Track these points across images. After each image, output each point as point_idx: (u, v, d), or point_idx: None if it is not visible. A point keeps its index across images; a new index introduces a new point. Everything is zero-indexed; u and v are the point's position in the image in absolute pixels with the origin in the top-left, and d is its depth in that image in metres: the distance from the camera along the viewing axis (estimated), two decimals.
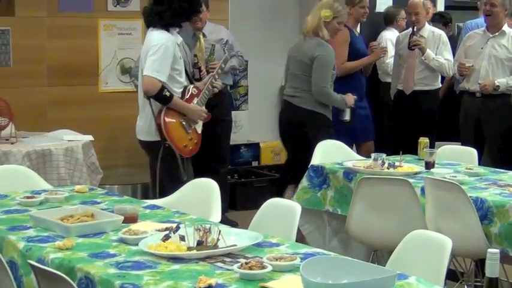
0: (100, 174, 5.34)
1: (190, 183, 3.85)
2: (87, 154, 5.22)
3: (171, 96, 4.41)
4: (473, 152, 4.87)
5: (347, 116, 5.37)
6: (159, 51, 4.32)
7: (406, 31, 6.47)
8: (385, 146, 6.22)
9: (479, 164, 4.90)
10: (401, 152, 4.48)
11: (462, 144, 5.43)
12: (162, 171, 4.51)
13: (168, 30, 4.39)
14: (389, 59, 6.74)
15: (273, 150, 7.38)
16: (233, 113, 6.72)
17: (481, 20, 6.33)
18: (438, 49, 6.18)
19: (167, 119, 4.45)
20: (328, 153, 4.84)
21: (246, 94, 7.57)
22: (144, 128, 4.52)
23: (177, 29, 4.45)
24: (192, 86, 4.64)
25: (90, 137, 5.31)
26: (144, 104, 4.51)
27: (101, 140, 5.84)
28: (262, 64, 7.26)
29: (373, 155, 4.37)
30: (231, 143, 6.60)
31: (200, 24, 5.73)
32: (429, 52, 6.09)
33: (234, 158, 7.15)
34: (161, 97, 4.42)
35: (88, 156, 5.24)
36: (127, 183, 6.23)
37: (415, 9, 6.21)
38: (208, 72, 5.37)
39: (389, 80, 6.76)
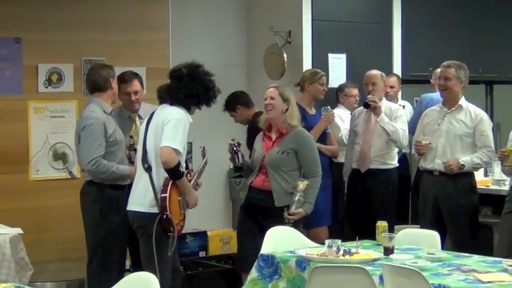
0: (30, 271, 5.00)
1: (127, 278, 3.53)
2: (15, 249, 4.90)
3: (183, 172, 4.45)
4: (435, 235, 4.63)
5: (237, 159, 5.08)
6: (180, 125, 4.37)
7: (361, 107, 6.21)
8: (340, 230, 6.04)
9: (442, 248, 4.69)
10: (357, 237, 4.28)
11: (422, 227, 5.23)
12: (147, 247, 4.41)
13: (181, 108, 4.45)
14: (342, 131, 6.46)
15: (221, 238, 7.00)
16: None
17: (436, 94, 6.14)
18: (394, 121, 5.97)
19: (172, 194, 4.44)
20: (280, 240, 4.59)
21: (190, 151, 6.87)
22: (138, 199, 4.45)
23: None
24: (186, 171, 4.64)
25: (18, 230, 4.97)
26: (141, 174, 4.47)
27: (31, 233, 5.51)
28: (207, 145, 6.40)
29: (327, 241, 4.15)
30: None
31: (137, 106, 5.34)
32: (384, 116, 5.91)
33: (179, 248, 6.15)
34: (176, 171, 4.42)
35: (16, 251, 4.91)
36: (61, 279, 5.85)
37: (372, 80, 6.03)
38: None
39: (342, 160, 6.40)
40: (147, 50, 6.65)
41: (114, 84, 5.04)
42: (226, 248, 6.91)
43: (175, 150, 4.35)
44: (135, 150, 5.03)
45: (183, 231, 5.58)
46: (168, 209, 4.40)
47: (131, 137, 5.26)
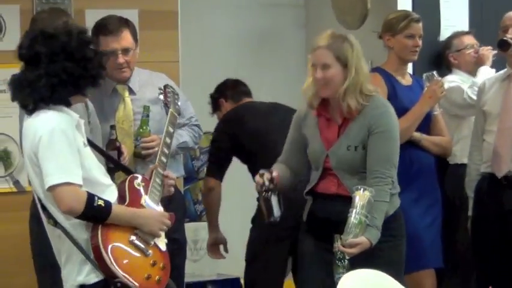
0: None
1: None
2: None
3: (107, 204, 3.59)
4: None
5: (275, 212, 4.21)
6: (53, 144, 3.52)
7: (498, 73, 5.00)
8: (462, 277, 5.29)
9: None
10: None
11: None
12: None
13: (53, 109, 3.63)
14: (466, 90, 5.36)
15: None
16: (191, 226, 5.70)
17: None
18: None
19: (110, 243, 3.60)
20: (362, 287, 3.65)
21: None
22: (72, 272, 3.68)
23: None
24: (130, 177, 3.84)
25: None
26: (56, 236, 3.72)
27: None
28: None
29: None
30: (192, 278, 5.50)
31: (127, 72, 4.59)
32: None
33: None
34: (95, 211, 3.58)
35: None
36: None
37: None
38: (138, 156, 4.52)
39: (464, 160, 5.18)
40: None
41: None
42: None
43: (72, 184, 3.54)
44: (119, 148, 4.38)
45: (201, 278, 5.86)
46: (116, 269, 3.60)
47: (112, 127, 4.49)
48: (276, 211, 4.10)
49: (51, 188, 3.47)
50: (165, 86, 4.42)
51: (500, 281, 4.64)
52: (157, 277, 3.66)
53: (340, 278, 3.81)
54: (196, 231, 5.92)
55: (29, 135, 3.59)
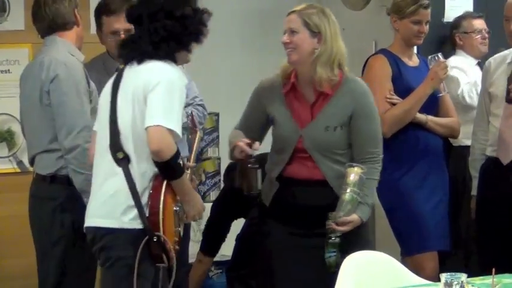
0: None
1: None
2: None
3: (184, 168, 3.86)
4: None
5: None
6: (175, 91, 3.75)
7: (502, 53, 4.90)
8: (464, 258, 5.34)
9: None
10: (494, 270, 3.36)
11: None
12: (120, 284, 3.76)
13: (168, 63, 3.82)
14: (463, 88, 5.39)
15: None
16: None
17: None
18: None
19: (167, 202, 3.79)
20: (363, 272, 3.76)
21: (218, 173, 5.99)
22: (105, 209, 3.78)
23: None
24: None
25: None
26: (109, 169, 3.81)
27: None
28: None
29: (444, 276, 3.13)
30: (194, 259, 5.27)
31: None
32: None
33: None
34: (175, 166, 3.76)
35: None
36: None
37: None
38: None
39: (467, 142, 5.15)
40: None
41: (79, 18, 4.52)
42: None
43: (172, 132, 3.67)
44: None
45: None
46: (160, 225, 3.78)
47: None
48: (260, 183, 4.09)
49: (153, 127, 3.60)
50: (192, 114, 4.52)
51: (503, 262, 4.29)
52: (175, 249, 3.77)
53: (331, 256, 3.93)
54: None
55: (142, 75, 3.73)
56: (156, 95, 3.71)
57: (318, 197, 4.04)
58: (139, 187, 3.73)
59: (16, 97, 4.65)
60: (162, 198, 3.72)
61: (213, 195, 5.88)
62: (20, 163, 5.21)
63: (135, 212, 3.69)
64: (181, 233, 3.95)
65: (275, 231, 4.12)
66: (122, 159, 3.74)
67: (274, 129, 4.14)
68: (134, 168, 3.72)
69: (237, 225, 5.20)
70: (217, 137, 5.94)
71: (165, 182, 3.72)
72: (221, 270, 5.59)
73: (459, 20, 5.66)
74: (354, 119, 4.03)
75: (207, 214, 5.63)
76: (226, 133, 5.70)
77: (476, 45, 5.57)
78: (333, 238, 3.93)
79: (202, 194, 6.13)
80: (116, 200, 3.74)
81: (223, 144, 5.83)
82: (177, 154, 3.68)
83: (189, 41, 3.82)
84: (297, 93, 4.03)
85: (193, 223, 5.34)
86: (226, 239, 5.08)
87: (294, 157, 4.05)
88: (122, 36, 4.46)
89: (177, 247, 3.86)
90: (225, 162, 5.50)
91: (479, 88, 5.17)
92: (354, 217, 3.91)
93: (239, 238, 5.15)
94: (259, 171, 4.06)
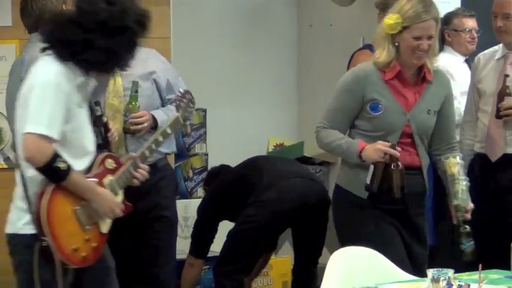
0: None
1: None
2: None
3: (68, 169, 3.69)
4: None
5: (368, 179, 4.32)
6: (48, 93, 3.71)
7: (491, 49, 4.99)
8: (452, 252, 4.89)
9: None
10: (480, 265, 3.44)
11: None
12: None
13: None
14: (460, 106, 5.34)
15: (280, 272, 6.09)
16: (182, 203, 5.59)
17: None
18: None
19: (53, 203, 3.72)
20: (352, 265, 3.85)
21: (205, 169, 5.98)
22: (9, 215, 3.85)
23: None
24: (106, 154, 3.94)
25: None
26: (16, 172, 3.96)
27: None
28: (231, 114, 6.29)
29: (430, 272, 3.26)
30: (183, 256, 5.28)
31: None
32: None
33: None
34: (52, 170, 3.70)
35: None
36: None
37: (505, 9, 4.79)
38: (127, 132, 4.66)
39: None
40: None
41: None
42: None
43: (45, 137, 3.68)
44: (105, 125, 4.32)
45: None
46: (47, 230, 3.74)
47: (97, 103, 4.36)
48: (405, 183, 4.18)
49: (24, 135, 3.62)
50: (186, 92, 4.48)
51: (490, 258, 4.45)
52: (84, 253, 3.75)
53: (469, 246, 4.15)
54: (186, 208, 5.84)
55: (32, 72, 3.75)
56: (29, 101, 3.74)
57: (416, 184, 4.23)
58: (31, 191, 3.75)
59: (3, 93, 4.73)
60: (44, 202, 3.70)
61: (200, 191, 5.91)
62: (7, 159, 5.19)
63: (28, 217, 3.73)
64: (105, 230, 3.92)
65: (374, 214, 4.22)
66: (19, 165, 3.82)
67: (375, 117, 4.24)
68: (25, 173, 3.77)
69: (228, 223, 5.23)
70: (205, 132, 5.95)
71: (51, 187, 3.73)
72: (208, 266, 5.58)
73: (450, 16, 5.72)
74: (444, 105, 4.24)
75: (193, 215, 5.64)
76: (213, 129, 5.86)
77: (464, 43, 5.65)
78: (466, 228, 4.10)
79: (189, 190, 6.12)
80: (14, 205, 3.80)
81: (211, 140, 5.99)
82: (54, 157, 3.68)
83: (105, 66, 3.79)
84: (402, 80, 4.17)
85: (180, 219, 5.32)
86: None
87: (398, 143, 4.21)
88: None
89: (93, 245, 3.82)
90: (213, 159, 5.63)
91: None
92: (471, 204, 4.14)
93: (231, 234, 5.17)
94: (403, 172, 4.16)
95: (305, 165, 6.19)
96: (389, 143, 4.10)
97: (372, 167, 4.17)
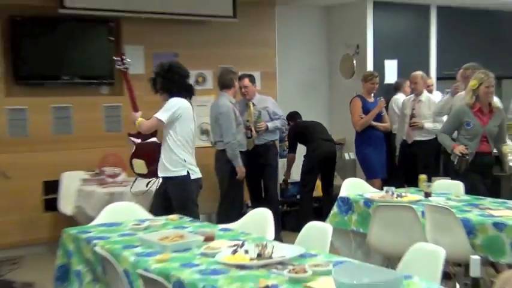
0: None
1: (251, 212, 4.28)
2: None
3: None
4: (460, 185, 5.36)
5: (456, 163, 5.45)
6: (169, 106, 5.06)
7: (408, 96, 7.48)
8: (394, 181, 6.93)
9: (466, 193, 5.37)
10: (405, 185, 5.45)
11: (452, 179, 5.71)
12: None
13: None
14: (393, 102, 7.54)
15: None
16: (281, 162, 7.59)
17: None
18: (431, 110, 7.09)
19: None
20: (352, 187, 5.46)
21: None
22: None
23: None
24: None
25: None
26: None
27: None
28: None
29: (385, 188, 4.99)
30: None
31: (248, 97, 6.83)
32: (426, 126, 7.00)
33: (285, 193, 8.08)
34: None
35: None
36: (202, 212, 6.22)
37: (414, 80, 7.20)
38: (257, 132, 6.58)
39: (395, 132, 7.77)
40: (260, 59, 7.98)
41: (237, 83, 6.34)
42: (314, 194, 7.60)
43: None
44: (250, 129, 6.44)
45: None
46: None
47: (247, 120, 6.59)
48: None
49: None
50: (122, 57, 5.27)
51: (409, 181, 5.86)
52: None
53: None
54: (284, 161, 7.51)
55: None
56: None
57: (489, 160, 5.49)
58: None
59: (209, 116, 6.54)
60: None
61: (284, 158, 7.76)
62: (211, 142, 6.63)
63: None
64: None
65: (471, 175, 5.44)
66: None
67: (465, 129, 5.44)
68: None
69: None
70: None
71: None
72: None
73: (403, 81, 8.08)
74: (502, 123, 5.54)
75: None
76: None
77: (407, 91, 7.78)
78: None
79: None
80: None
81: None
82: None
83: (179, 91, 4.97)
84: (481, 111, 5.36)
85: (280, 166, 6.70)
86: None
87: (480, 141, 5.46)
88: (243, 89, 6.45)
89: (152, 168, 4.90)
90: None
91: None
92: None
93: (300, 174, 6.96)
94: (468, 160, 5.29)
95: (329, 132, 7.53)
96: (466, 146, 5.26)
97: (456, 155, 5.30)
